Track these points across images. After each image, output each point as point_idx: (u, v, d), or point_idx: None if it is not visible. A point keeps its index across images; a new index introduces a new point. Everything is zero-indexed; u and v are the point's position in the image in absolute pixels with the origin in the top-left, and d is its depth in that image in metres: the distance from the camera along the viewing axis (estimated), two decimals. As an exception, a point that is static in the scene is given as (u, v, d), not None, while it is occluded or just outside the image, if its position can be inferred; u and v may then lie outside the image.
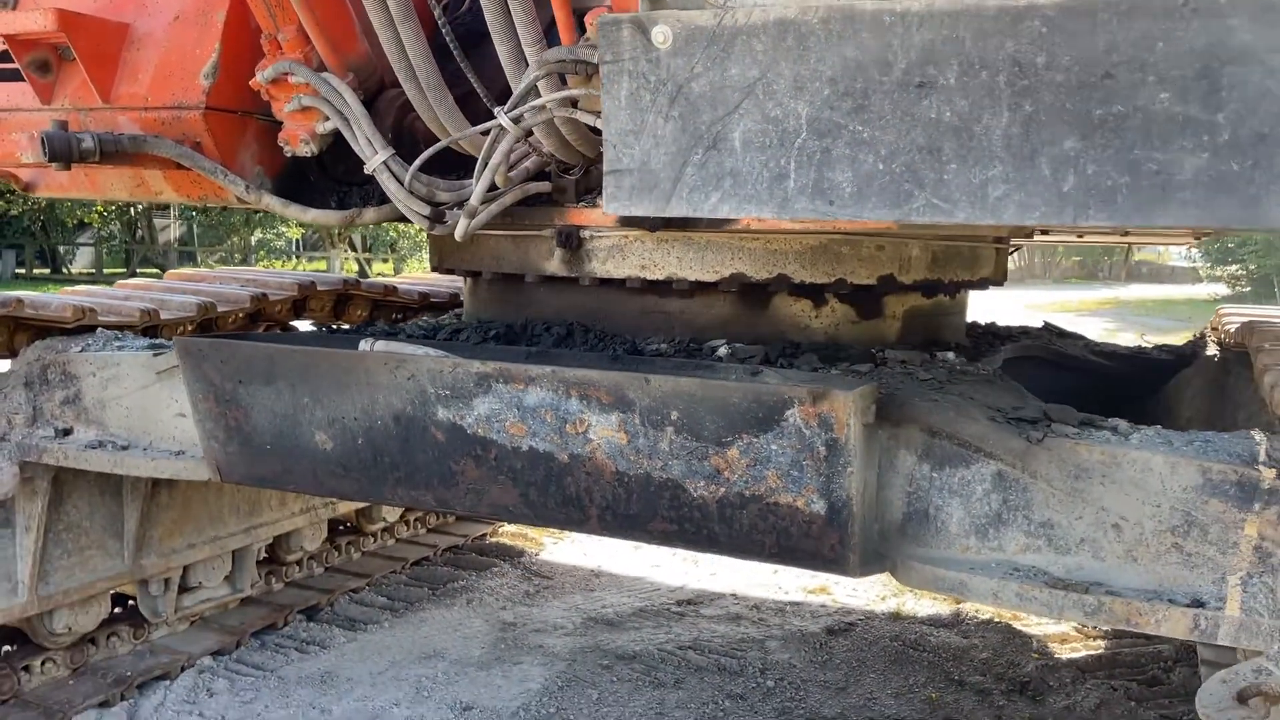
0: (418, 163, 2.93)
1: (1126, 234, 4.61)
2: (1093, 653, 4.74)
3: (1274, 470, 2.21)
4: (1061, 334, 4.80)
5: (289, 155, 3.19)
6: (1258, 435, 2.37)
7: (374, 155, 2.95)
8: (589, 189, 3.30)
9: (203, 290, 4.53)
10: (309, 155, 3.18)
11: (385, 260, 36.64)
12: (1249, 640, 2.16)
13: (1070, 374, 4.35)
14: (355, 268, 32.54)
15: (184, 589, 4.48)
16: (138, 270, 30.94)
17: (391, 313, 5.57)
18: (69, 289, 4.52)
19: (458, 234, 2.95)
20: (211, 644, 4.46)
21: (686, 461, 2.57)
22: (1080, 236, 4.99)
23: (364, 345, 2.91)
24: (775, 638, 4.79)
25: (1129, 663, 4.62)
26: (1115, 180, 1.75)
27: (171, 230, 36.05)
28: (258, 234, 34.14)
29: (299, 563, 5.12)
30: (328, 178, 3.46)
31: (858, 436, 2.38)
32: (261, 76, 3.05)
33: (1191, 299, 34.27)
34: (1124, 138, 1.74)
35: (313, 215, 3.24)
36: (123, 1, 3.34)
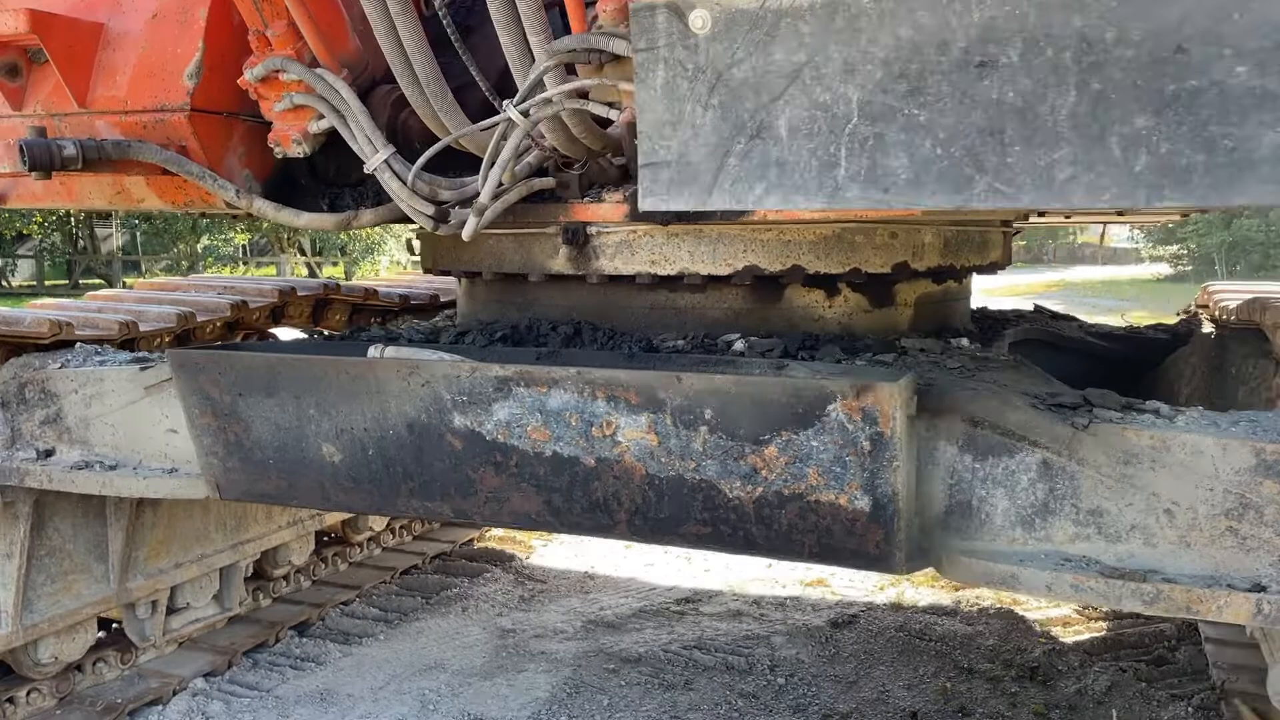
0: (421, 161, 2.81)
1: (1121, 213, 4.58)
2: (1097, 635, 4.73)
3: (1327, 449, 2.18)
4: (1054, 316, 4.79)
5: (280, 157, 3.06)
6: (1306, 414, 2.33)
7: (374, 154, 2.83)
8: (592, 184, 3.20)
9: (180, 300, 4.36)
10: (301, 156, 3.04)
11: (335, 264, 36.12)
12: (1313, 623, 2.12)
13: (1068, 356, 4.33)
14: (305, 272, 32.06)
15: (171, 610, 4.32)
16: (80, 282, 30.25)
17: (371, 316, 5.43)
18: (36, 302, 4.33)
19: (465, 233, 2.84)
20: (203, 665, 4.31)
21: (721, 461, 2.49)
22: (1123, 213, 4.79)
23: (373, 352, 2.78)
24: (780, 633, 4.73)
25: (1133, 643, 4.62)
26: (1190, 159, 1.69)
27: (114, 240, 35.25)
28: (204, 240, 33.48)
29: (286, 577, 4.97)
30: (318, 180, 3.33)
31: (903, 430, 2.31)
32: (250, 74, 2.91)
33: (1135, 279, 34.83)
34: (1198, 114, 1.68)
35: (306, 219, 3.11)
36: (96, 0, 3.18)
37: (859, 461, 2.36)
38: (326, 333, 4.22)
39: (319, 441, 2.89)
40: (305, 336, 3.74)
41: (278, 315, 4.84)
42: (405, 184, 2.83)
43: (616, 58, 2.51)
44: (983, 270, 3.56)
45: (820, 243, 3.11)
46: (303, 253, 33.57)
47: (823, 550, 2.48)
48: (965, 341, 3.39)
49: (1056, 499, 2.40)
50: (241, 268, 35.22)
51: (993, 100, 1.79)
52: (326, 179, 3.31)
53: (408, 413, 2.75)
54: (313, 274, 31.51)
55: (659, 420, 2.51)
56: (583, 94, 2.68)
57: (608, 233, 3.14)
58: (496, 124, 2.82)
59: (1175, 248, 38.15)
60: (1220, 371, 4.27)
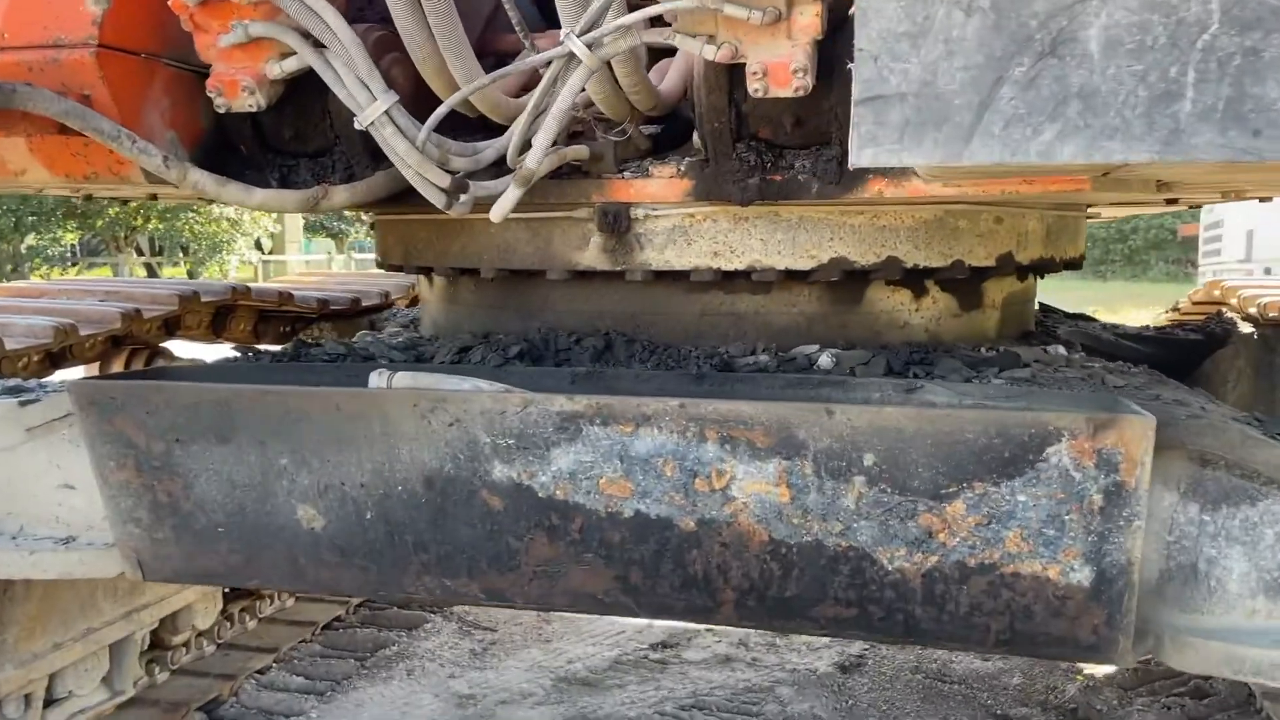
0: (436, 117, 2.06)
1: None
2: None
3: None
4: (1069, 315, 4.33)
5: (223, 110, 2.26)
6: None
7: (372, 103, 2.06)
8: (631, 155, 2.52)
9: (52, 309, 3.46)
10: (253, 110, 2.25)
11: (177, 264, 33.77)
12: None
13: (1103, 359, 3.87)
14: (144, 273, 29.88)
15: (50, 701, 3.40)
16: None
17: (281, 325, 4.58)
18: None
19: (497, 211, 2.11)
20: (91, 770, 3.41)
21: (882, 523, 1.84)
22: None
23: (376, 380, 2.03)
24: (783, 682, 4.12)
25: (1164, 674, 4.19)
26: None
27: (-76, 239, 32.09)
28: (29, 240, 30.77)
29: (187, 644, 4.07)
30: (265, 147, 2.53)
31: (1148, 478, 1.71)
32: (187, -4, 2.10)
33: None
34: None
35: (262, 197, 2.31)
36: (-51, -104, 2.30)
37: (1083, 521, 1.75)
38: (261, 348, 3.37)
39: (293, 502, 2.11)
40: (238, 355, 2.91)
41: (172, 326, 3.97)
42: (415, 145, 2.06)
43: (722, -30, 1.85)
44: (1071, 264, 3.01)
45: (920, 229, 2.50)
46: (140, 252, 31.38)
47: (1015, 637, 1.87)
48: (1062, 349, 2.85)
49: (1315, 558, 1.85)
50: (73, 269, 32.60)
51: None
52: (277, 145, 2.51)
53: (426, 462, 2.01)
54: (152, 274, 29.35)
55: (795, 468, 1.85)
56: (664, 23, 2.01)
57: (658, 216, 2.46)
58: (527, 67, 2.11)
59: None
60: (1269, 375, 3.87)
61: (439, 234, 2.72)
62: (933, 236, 2.51)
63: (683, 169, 2.40)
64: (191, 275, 31.41)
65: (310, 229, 36.28)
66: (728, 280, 2.52)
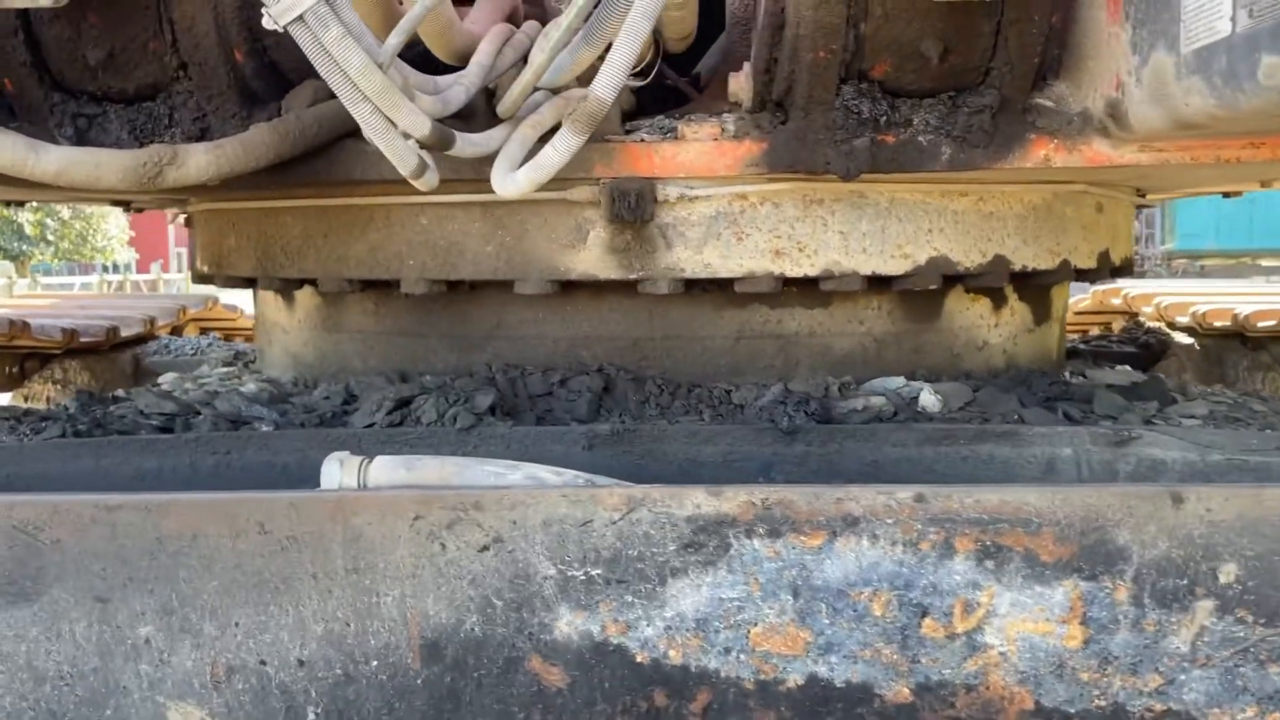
0: (413, 18, 1.18)
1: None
2: None
3: None
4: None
5: (-10, 4, 1.26)
6: None
7: (298, -8, 1.13)
8: (648, 106, 1.72)
9: None
10: (40, 6, 1.27)
11: None
12: None
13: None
14: None
15: None
16: None
17: (8, 365, 3.39)
18: None
19: (522, 182, 1.25)
20: None
21: (1226, 670, 1.14)
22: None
23: (334, 472, 1.11)
24: None
25: None
26: None
27: None
28: None
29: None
30: (48, 85, 1.52)
31: None
32: None
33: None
34: None
35: (62, 160, 1.30)
36: None
37: None
38: (24, 409, 2.18)
39: (158, 700, 1.15)
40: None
41: None
42: (377, 61, 1.16)
43: None
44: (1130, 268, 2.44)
45: (1028, 218, 1.84)
46: None
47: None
48: (1128, 366, 2.30)
49: None
50: None
51: None
52: (70, 81, 1.51)
53: (431, 615, 1.12)
54: None
55: (1102, 592, 1.11)
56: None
57: (694, 199, 1.65)
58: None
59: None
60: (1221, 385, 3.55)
61: (329, 228, 1.78)
62: (1042, 227, 1.86)
63: (733, 128, 1.62)
64: None
65: (-20, 250, 31.79)
66: (780, 293, 1.76)
